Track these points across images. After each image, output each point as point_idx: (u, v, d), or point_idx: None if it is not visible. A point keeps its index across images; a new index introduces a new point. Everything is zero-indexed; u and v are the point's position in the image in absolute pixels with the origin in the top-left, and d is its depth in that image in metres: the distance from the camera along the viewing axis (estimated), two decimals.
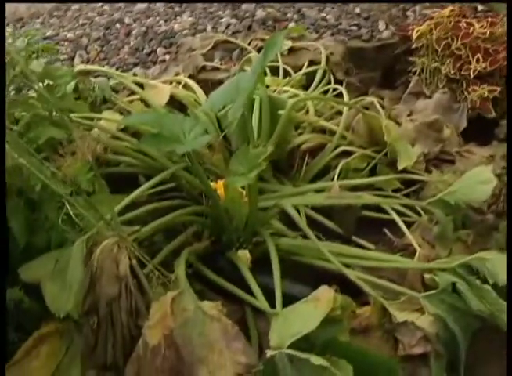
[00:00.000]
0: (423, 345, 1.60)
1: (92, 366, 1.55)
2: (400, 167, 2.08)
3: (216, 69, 2.71)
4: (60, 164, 1.47)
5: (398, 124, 2.40)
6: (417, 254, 1.86)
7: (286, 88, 2.36)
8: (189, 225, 1.92)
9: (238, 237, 1.86)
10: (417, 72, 2.64)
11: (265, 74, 2.51)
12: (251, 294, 1.67)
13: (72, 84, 2.05)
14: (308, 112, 2.34)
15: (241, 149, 1.74)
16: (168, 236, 1.89)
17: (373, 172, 2.26)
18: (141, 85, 2.34)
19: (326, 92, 2.55)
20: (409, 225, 2.02)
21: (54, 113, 1.70)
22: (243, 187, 1.80)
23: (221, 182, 1.88)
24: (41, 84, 1.67)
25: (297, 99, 2.09)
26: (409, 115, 2.45)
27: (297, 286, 1.81)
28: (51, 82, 1.71)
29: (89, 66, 2.17)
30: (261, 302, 1.60)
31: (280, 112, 2.08)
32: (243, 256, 1.79)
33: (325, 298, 1.46)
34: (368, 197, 1.98)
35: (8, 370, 1.56)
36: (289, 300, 1.71)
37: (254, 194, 1.80)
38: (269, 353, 1.38)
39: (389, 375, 1.48)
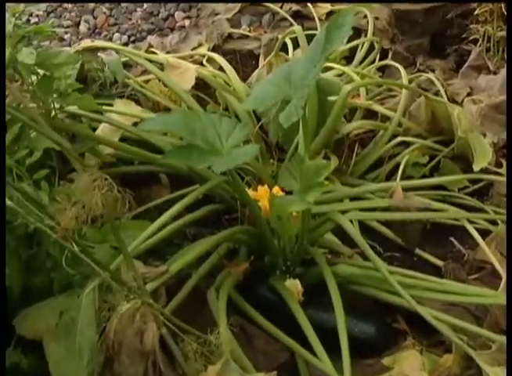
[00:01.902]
0: None
1: None
2: (476, 168, 1.65)
3: (244, 37, 2.25)
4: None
5: (457, 103, 1.96)
6: (503, 281, 1.45)
7: (330, 64, 1.90)
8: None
9: (285, 260, 1.45)
10: (478, 42, 2.17)
11: None
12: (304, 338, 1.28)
13: (77, 67, 1.61)
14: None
15: (294, 158, 1.32)
16: None
17: (435, 167, 1.83)
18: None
19: (371, 62, 2.11)
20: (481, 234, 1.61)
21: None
22: None
23: (263, 190, 1.45)
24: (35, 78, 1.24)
25: (353, 85, 1.65)
26: (469, 94, 2.01)
27: (360, 324, 1.42)
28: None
29: (96, 43, 1.72)
30: (326, 365, 1.20)
31: (330, 98, 1.64)
32: (294, 287, 1.39)
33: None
34: (438, 208, 1.55)
35: None
36: (350, 342, 1.34)
37: (308, 211, 1.38)
38: None
39: None
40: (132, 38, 2.32)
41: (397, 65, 1.96)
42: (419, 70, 2.21)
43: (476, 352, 1.31)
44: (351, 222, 1.65)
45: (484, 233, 1.60)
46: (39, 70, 1.29)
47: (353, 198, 1.69)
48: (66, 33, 2.36)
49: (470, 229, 1.58)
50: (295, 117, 1.19)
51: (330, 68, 1.90)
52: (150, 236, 1.28)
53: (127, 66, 1.88)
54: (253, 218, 1.46)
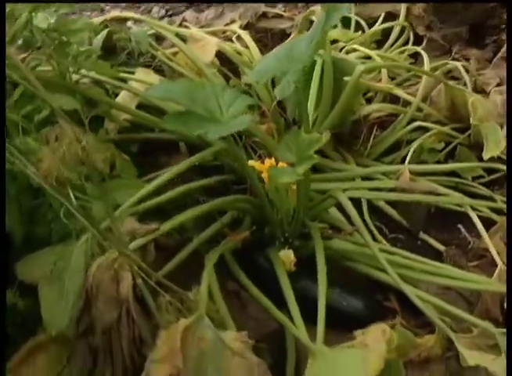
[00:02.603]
0: None
1: None
2: (486, 156, 1.64)
3: (279, 16, 2.27)
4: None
5: (485, 93, 1.94)
6: (498, 269, 1.45)
7: (356, 46, 1.92)
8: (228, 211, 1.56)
9: (283, 231, 1.49)
10: None
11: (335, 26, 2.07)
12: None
13: (103, 34, 1.68)
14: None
15: (292, 132, 1.35)
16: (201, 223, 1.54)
17: (451, 154, 1.83)
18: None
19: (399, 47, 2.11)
20: (489, 223, 1.61)
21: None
22: None
23: (268, 163, 1.48)
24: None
25: (367, 66, 1.66)
26: (498, 84, 1.99)
27: (349, 298, 1.45)
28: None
29: (124, 13, 1.78)
30: (300, 331, 1.24)
31: (346, 78, 1.66)
32: (286, 258, 1.42)
33: (376, 348, 1.08)
34: (443, 193, 1.56)
35: None
36: (337, 315, 1.37)
37: (304, 185, 1.41)
38: None
39: None
40: (170, 12, 2.38)
41: (421, 51, 1.95)
42: (453, 59, 2.19)
43: (456, 334, 1.32)
44: (361, 201, 1.69)
45: (493, 223, 1.61)
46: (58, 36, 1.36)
47: (364, 179, 1.72)
48: (106, 5, 2.43)
49: (474, 216, 1.58)
50: (288, 91, 1.22)
51: (355, 50, 1.92)
52: (146, 197, 1.34)
53: (159, 38, 1.93)
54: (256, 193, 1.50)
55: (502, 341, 1.26)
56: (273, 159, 1.48)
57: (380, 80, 1.92)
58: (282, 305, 1.35)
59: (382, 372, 1.13)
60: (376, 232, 1.65)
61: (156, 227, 1.26)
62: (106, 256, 1.11)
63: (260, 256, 1.50)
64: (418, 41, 2.20)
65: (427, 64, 1.88)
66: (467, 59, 2.19)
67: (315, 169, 1.78)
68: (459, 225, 1.69)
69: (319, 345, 1.18)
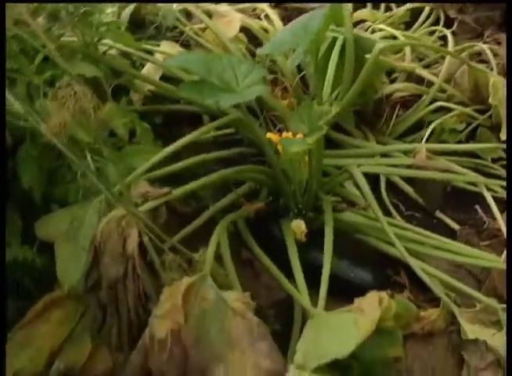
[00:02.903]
0: (493, 372, 1.24)
1: (101, 345, 1.30)
2: (503, 137, 1.64)
3: None
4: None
5: None
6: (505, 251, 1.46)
7: (381, 26, 1.93)
8: (245, 182, 1.60)
9: (296, 203, 1.52)
10: None
11: (364, 6, 2.08)
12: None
13: (131, 8, 1.72)
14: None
15: (305, 103, 1.38)
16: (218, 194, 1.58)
17: (472, 135, 1.83)
18: None
19: (433, 32, 2.10)
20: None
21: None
22: None
23: (285, 136, 1.51)
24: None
25: (387, 44, 1.67)
26: None
27: (357, 270, 1.48)
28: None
29: None
30: (303, 297, 1.27)
31: (368, 56, 1.67)
32: (297, 228, 1.45)
33: (370, 311, 1.10)
34: (460, 173, 1.57)
35: (15, 333, 1.32)
36: (345, 286, 1.40)
37: (317, 157, 1.44)
38: (290, 374, 1.07)
39: None
40: None
41: (446, 31, 1.95)
42: (485, 43, 2.17)
43: (460, 309, 1.34)
44: (379, 178, 1.71)
45: None
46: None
47: (383, 156, 1.74)
48: None
49: (488, 196, 1.59)
50: (297, 61, 1.25)
51: (381, 30, 1.93)
52: (162, 163, 1.38)
53: (189, 15, 1.97)
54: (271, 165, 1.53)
55: (504, 317, 1.28)
56: (291, 133, 1.51)
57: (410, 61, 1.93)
58: (292, 274, 1.38)
59: (379, 339, 1.16)
60: (392, 209, 1.67)
61: (168, 191, 1.30)
62: (114, 213, 1.16)
63: (274, 227, 1.53)
64: (449, 24, 2.19)
65: (451, 45, 1.88)
66: (499, 43, 2.17)
67: (335, 145, 1.81)
68: (477, 206, 1.69)
69: (320, 310, 1.22)
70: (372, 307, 1.11)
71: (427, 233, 1.48)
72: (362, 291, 1.42)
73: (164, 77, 1.67)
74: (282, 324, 1.38)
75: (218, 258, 1.33)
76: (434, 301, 1.43)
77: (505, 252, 1.45)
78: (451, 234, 1.62)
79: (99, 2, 1.34)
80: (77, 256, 1.24)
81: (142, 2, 1.42)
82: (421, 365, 1.37)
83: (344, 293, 1.31)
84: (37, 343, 1.33)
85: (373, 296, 1.15)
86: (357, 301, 1.16)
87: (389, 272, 1.52)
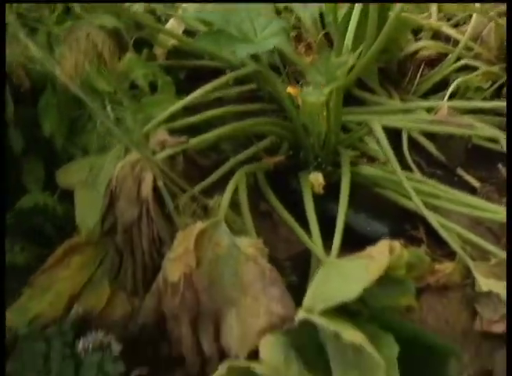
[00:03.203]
0: (505, 324, 1.24)
1: (118, 289, 1.32)
2: None
3: None
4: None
5: None
6: None
7: None
8: (267, 136, 1.60)
9: (315, 156, 1.52)
10: None
11: None
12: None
13: None
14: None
15: (323, 55, 1.37)
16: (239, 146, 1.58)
17: (498, 93, 1.81)
18: None
19: None
20: None
21: None
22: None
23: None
24: None
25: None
26: None
27: (374, 223, 1.48)
28: None
29: None
30: (317, 246, 1.28)
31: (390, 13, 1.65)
32: (315, 180, 1.45)
33: (380, 258, 1.10)
34: (481, 128, 1.55)
35: (36, 278, 1.36)
36: (360, 239, 1.39)
37: (335, 110, 1.44)
38: (298, 316, 1.08)
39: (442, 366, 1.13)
40: None
41: None
42: None
43: (475, 262, 1.33)
44: (401, 134, 1.69)
45: None
46: None
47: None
48: None
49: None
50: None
51: None
52: (182, 114, 1.39)
53: None
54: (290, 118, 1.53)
55: None
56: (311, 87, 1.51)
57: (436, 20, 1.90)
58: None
59: (391, 288, 1.17)
60: (413, 166, 1.66)
61: (185, 140, 1.31)
62: (129, 158, 1.17)
63: (293, 180, 1.53)
64: None
65: (478, 4, 1.85)
66: None
67: (358, 103, 1.80)
68: (499, 164, 1.67)
69: (332, 258, 1.22)
70: (382, 254, 1.11)
71: (446, 188, 1.47)
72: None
73: (188, 32, 1.67)
74: (299, 277, 1.39)
75: (235, 206, 1.35)
76: (451, 256, 1.42)
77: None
78: (472, 192, 1.61)
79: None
80: (94, 202, 1.27)
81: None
82: (435, 317, 1.37)
83: (360, 246, 1.31)
84: (57, 288, 1.37)
85: (384, 244, 1.15)
86: (368, 248, 1.17)
87: (406, 227, 1.51)
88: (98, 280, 1.38)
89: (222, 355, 1.21)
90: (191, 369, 1.24)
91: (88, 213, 1.27)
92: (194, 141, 1.33)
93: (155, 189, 1.17)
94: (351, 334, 1.02)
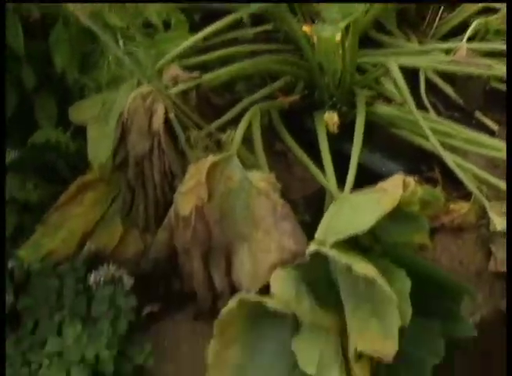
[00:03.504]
0: None
1: (130, 226, 1.32)
2: None
3: None
4: None
5: None
6: None
7: None
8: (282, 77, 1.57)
9: (331, 96, 1.49)
10: None
11: None
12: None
13: None
14: None
15: None
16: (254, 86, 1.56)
17: None
18: None
19: None
20: None
21: None
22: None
23: None
24: None
25: None
26: None
27: (389, 163, 1.45)
28: None
29: None
30: (330, 182, 1.26)
31: None
32: (330, 119, 1.43)
33: (393, 191, 1.08)
34: (499, 69, 1.51)
35: (49, 216, 1.36)
36: (375, 179, 1.37)
37: (351, 49, 1.40)
38: (310, 249, 1.06)
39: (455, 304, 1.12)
40: None
41: None
42: None
43: (490, 202, 1.31)
44: (419, 76, 1.65)
45: None
46: None
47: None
48: None
49: None
50: None
51: None
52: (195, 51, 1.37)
53: None
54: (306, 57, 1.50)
55: None
56: None
57: None
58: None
59: (404, 225, 1.15)
60: (430, 108, 1.62)
61: (198, 75, 1.29)
62: (141, 90, 1.15)
63: (308, 120, 1.51)
64: None
65: None
66: None
67: (375, 45, 1.76)
68: None
69: (347, 190, 1.21)
70: (396, 187, 1.10)
71: (463, 128, 1.44)
72: None
73: None
74: (312, 216, 1.37)
75: (249, 143, 1.33)
76: (467, 197, 1.40)
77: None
78: (490, 135, 1.57)
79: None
80: (107, 137, 1.26)
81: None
82: (449, 257, 1.36)
83: (374, 185, 1.30)
84: (70, 225, 1.37)
85: (398, 178, 1.13)
86: (382, 183, 1.15)
87: (422, 168, 1.49)
88: (110, 217, 1.38)
89: (233, 290, 1.21)
90: (202, 304, 1.24)
91: (100, 148, 1.26)
92: (207, 77, 1.31)
93: (167, 121, 1.15)
94: (363, 267, 1.01)
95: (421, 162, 1.48)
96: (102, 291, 1.19)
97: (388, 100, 1.55)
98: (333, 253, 1.03)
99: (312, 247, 1.06)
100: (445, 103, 1.66)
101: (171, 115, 1.15)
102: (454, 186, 1.43)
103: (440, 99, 1.66)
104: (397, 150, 1.49)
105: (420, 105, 1.56)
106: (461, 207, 1.35)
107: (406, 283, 1.05)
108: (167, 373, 1.23)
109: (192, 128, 1.17)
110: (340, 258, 1.02)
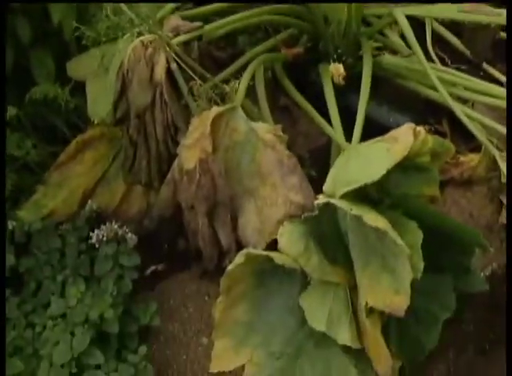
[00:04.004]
0: None
1: (132, 182, 1.28)
2: None
3: None
4: None
5: None
6: None
7: None
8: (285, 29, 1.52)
9: (336, 47, 1.44)
10: None
11: None
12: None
13: None
14: None
15: None
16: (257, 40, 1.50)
17: None
18: None
19: None
20: None
21: None
22: None
23: None
24: None
25: None
26: None
27: (396, 115, 1.41)
28: None
29: None
30: (337, 133, 1.21)
31: None
32: (336, 70, 1.38)
33: (403, 140, 1.04)
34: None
35: (49, 175, 1.32)
36: (382, 131, 1.32)
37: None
38: (318, 201, 1.03)
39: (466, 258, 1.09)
40: None
41: None
42: None
43: (501, 153, 1.27)
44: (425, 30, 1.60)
45: None
46: None
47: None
48: None
49: None
50: None
51: None
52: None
53: None
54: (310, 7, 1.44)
55: None
56: None
57: None
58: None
59: (415, 177, 1.11)
60: (437, 61, 1.57)
61: (200, 25, 1.23)
62: (142, 38, 1.10)
63: (312, 72, 1.46)
64: None
65: None
66: None
67: None
68: None
69: (355, 141, 1.17)
70: (406, 136, 1.05)
71: (471, 77, 1.39)
72: None
73: None
74: (318, 171, 1.33)
75: (253, 96, 1.29)
76: (476, 150, 1.36)
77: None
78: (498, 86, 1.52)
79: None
80: (106, 90, 1.21)
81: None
82: (459, 211, 1.33)
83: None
84: (71, 184, 1.33)
85: (407, 127, 1.09)
86: (391, 132, 1.10)
87: (430, 120, 1.44)
88: (112, 175, 1.34)
89: (240, 247, 1.17)
90: (208, 262, 1.20)
91: (100, 103, 1.22)
92: (209, 27, 1.25)
93: (169, 72, 1.10)
94: (374, 219, 0.98)
95: (429, 114, 1.44)
96: (105, 249, 1.16)
97: (394, 53, 1.50)
98: (342, 204, 0.99)
99: (322, 199, 1.02)
100: (452, 56, 1.61)
101: (173, 65, 1.10)
102: (463, 138, 1.39)
103: (447, 51, 1.61)
104: (404, 103, 1.44)
105: (427, 58, 1.51)
106: (471, 160, 1.31)
107: (418, 235, 1.01)
108: (172, 332, 1.20)
109: (194, 80, 1.12)
110: (350, 208, 0.97)
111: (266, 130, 1.13)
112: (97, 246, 1.16)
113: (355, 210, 0.97)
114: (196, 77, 1.11)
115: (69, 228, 1.27)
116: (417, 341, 1.12)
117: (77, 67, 1.30)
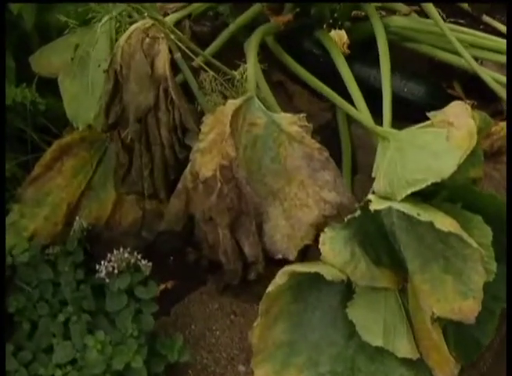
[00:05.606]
0: None
1: (127, 193, 1.07)
2: None
3: None
4: None
5: None
6: None
7: None
8: None
9: (332, 11, 1.25)
10: None
11: None
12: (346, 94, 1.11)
13: None
14: None
15: None
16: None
17: None
18: None
19: None
20: None
21: None
22: None
23: None
24: None
25: None
26: None
27: (410, 84, 1.24)
28: None
29: None
30: (364, 115, 1.04)
31: None
32: (339, 38, 1.20)
33: (462, 124, 0.87)
34: None
35: (24, 191, 1.10)
36: (397, 102, 1.15)
37: None
38: (374, 207, 0.85)
39: None
40: None
41: None
42: None
43: None
44: None
45: None
46: None
47: None
48: None
49: None
50: None
51: None
52: None
53: None
54: None
55: None
56: None
57: None
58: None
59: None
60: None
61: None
62: (136, 26, 0.89)
63: (307, 41, 1.28)
64: None
65: None
66: None
67: None
68: None
69: (387, 128, 1.00)
70: (462, 118, 0.88)
71: (486, 35, 1.24)
72: (415, 106, 1.22)
73: None
74: None
75: None
76: (499, 114, 1.21)
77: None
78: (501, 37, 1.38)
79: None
80: (87, 88, 1.00)
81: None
82: (493, 185, 1.18)
83: (397, 110, 1.08)
84: (51, 199, 1.12)
85: (457, 105, 0.92)
86: (438, 113, 0.93)
87: (442, 85, 1.29)
88: (98, 184, 1.14)
89: (266, 257, 1.00)
90: (232, 276, 1.02)
91: (82, 103, 1.00)
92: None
93: (172, 64, 0.89)
94: (446, 223, 0.81)
95: (441, 78, 1.28)
96: (117, 284, 0.95)
97: (392, 12, 1.33)
98: (407, 208, 0.82)
99: (378, 204, 0.84)
100: (448, 9, 1.44)
101: (178, 55, 0.89)
102: (479, 101, 1.24)
103: (441, 5, 1.45)
104: (415, 68, 1.28)
105: (422, 14, 1.35)
106: (501, 129, 1.16)
107: (486, 232, 0.86)
108: (201, 363, 1.02)
109: (201, 70, 0.92)
110: (418, 213, 0.81)
111: (290, 121, 0.94)
112: (107, 280, 0.96)
113: (423, 215, 0.81)
114: (206, 68, 0.90)
115: (57, 252, 1.07)
116: (473, 339, 0.99)
117: (43, 62, 1.07)
